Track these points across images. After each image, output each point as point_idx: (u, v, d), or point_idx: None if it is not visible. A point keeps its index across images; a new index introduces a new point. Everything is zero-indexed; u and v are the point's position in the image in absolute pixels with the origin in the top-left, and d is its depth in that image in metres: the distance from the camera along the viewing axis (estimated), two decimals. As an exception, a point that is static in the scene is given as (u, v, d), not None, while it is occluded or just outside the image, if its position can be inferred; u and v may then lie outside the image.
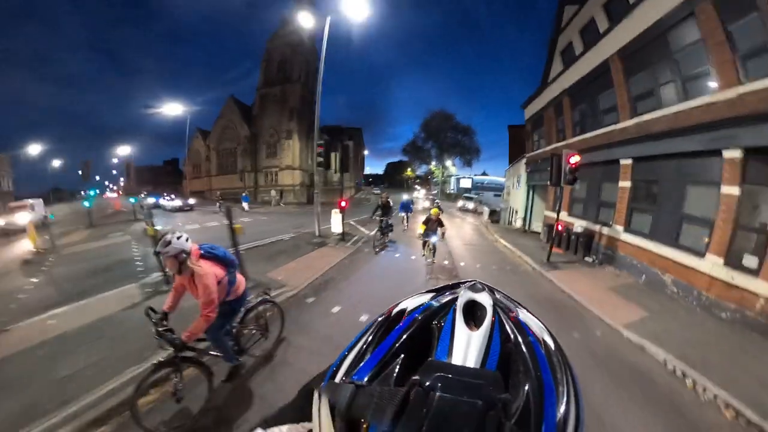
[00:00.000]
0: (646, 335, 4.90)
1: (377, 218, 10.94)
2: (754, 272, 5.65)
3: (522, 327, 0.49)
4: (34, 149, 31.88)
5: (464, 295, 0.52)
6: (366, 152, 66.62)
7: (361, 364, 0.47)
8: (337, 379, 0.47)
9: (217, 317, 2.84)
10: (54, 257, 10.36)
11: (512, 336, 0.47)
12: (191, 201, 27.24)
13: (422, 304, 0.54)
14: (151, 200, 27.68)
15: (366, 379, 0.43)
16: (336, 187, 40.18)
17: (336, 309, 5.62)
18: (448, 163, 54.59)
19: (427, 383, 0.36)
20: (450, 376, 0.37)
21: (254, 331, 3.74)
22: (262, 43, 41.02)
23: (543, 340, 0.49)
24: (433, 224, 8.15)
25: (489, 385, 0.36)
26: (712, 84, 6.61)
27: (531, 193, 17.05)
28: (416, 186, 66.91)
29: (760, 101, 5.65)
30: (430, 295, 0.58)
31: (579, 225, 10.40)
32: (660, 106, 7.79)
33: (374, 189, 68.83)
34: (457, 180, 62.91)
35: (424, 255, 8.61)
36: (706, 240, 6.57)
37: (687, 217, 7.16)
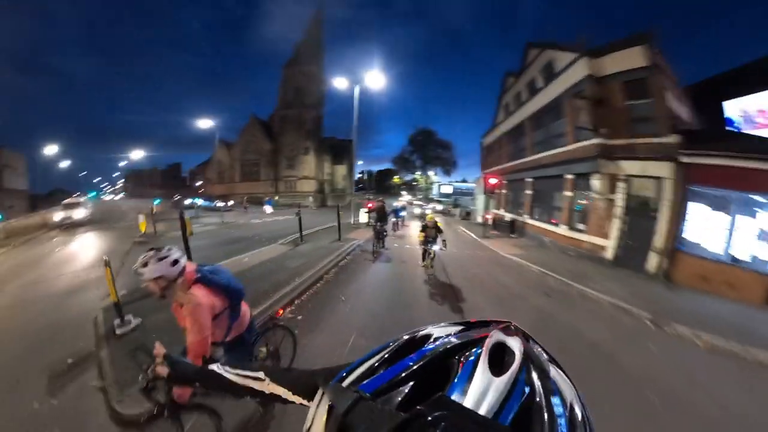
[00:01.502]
0: (517, 256, 9.74)
1: (372, 223, 10.51)
2: (582, 231, 10.51)
3: (551, 385, 0.41)
4: (49, 149, 29.40)
5: (494, 336, 0.45)
6: (361, 162, 70.80)
7: (372, 377, 0.42)
8: (345, 384, 0.44)
9: (224, 357, 2.16)
10: (165, 239, 11.36)
11: (537, 393, 0.38)
12: (231, 203, 31.07)
13: (449, 334, 0.48)
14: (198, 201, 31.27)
15: (371, 393, 0.39)
16: (340, 194, 44.65)
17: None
18: (431, 173, 59.42)
19: (430, 417, 0.31)
20: (457, 417, 0.32)
21: (265, 359, 2.95)
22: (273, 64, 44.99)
23: (571, 405, 0.40)
24: (431, 231, 7.26)
25: None
26: (566, 140, 11.49)
27: (487, 198, 21.93)
28: (402, 192, 71.02)
29: (580, 152, 10.53)
30: (460, 327, 0.51)
31: (508, 216, 15.30)
32: (545, 149, 12.72)
33: (366, 195, 72.28)
34: (439, 187, 67.54)
35: (423, 265, 7.47)
36: (560, 217, 11.56)
37: (554, 208, 12.13)
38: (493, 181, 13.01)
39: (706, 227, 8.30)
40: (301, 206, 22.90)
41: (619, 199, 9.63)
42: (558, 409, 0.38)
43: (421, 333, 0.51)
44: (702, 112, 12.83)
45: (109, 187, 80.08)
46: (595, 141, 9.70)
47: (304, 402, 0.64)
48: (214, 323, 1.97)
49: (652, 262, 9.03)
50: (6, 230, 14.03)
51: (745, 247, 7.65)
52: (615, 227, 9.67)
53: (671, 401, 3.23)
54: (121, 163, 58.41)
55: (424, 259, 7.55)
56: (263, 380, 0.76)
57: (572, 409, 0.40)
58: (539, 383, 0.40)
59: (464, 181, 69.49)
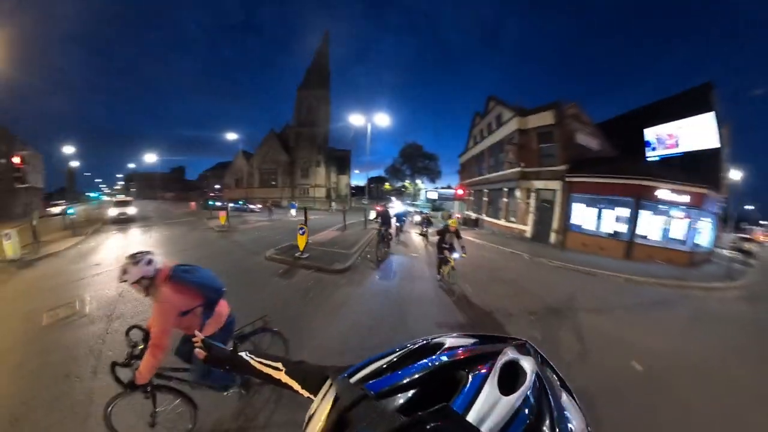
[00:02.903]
0: (472, 237, 15.58)
1: (377, 227, 10.45)
2: (514, 222, 16.49)
3: (560, 412, 0.38)
4: (59, 149, 28.79)
5: (508, 354, 0.43)
6: (357, 171, 75.59)
7: (380, 378, 0.42)
8: (353, 380, 0.43)
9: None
10: (240, 230, 15.15)
11: (544, 418, 0.36)
12: (259, 206, 35.85)
13: (462, 346, 0.47)
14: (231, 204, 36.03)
15: (376, 393, 0.38)
16: (343, 199, 50.03)
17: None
18: (418, 181, 65.13)
19: (430, 426, 0.30)
20: (457, 430, 0.31)
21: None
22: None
23: None
24: (450, 237, 6.38)
25: None
26: (507, 166, 17.47)
27: (462, 203, 27.99)
28: (391, 198, 75.19)
29: (511, 175, 16.51)
30: (474, 340, 0.50)
31: (474, 215, 21.25)
32: (495, 171, 18.77)
33: (362, 200, 75.91)
34: (426, 193, 73.14)
35: (439, 276, 6.62)
36: (502, 215, 17.53)
37: (499, 209, 18.15)
38: (459, 192, 18.93)
39: (583, 216, 14.23)
40: (341, 209, 26.55)
41: (532, 202, 15.63)
42: None
43: (434, 341, 0.49)
44: (632, 135, 19.01)
45: (111, 188, 73.70)
46: (517, 169, 15.75)
47: (311, 396, 0.62)
48: (185, 318, 1.99)
49: (552, 237, 14.97)
50: (75, 223, 14.60)
51: (607, 226, 13.56)
52: (530, 218, 15.67)
53: (524, 278, 8.39)
54: (130, 165, 58.60)
55: (440, 268, 6.48)
56: (280, 370, 0.79)
57: None
58: (548, 408, 0.37)
59: (449, 187, 75.03)
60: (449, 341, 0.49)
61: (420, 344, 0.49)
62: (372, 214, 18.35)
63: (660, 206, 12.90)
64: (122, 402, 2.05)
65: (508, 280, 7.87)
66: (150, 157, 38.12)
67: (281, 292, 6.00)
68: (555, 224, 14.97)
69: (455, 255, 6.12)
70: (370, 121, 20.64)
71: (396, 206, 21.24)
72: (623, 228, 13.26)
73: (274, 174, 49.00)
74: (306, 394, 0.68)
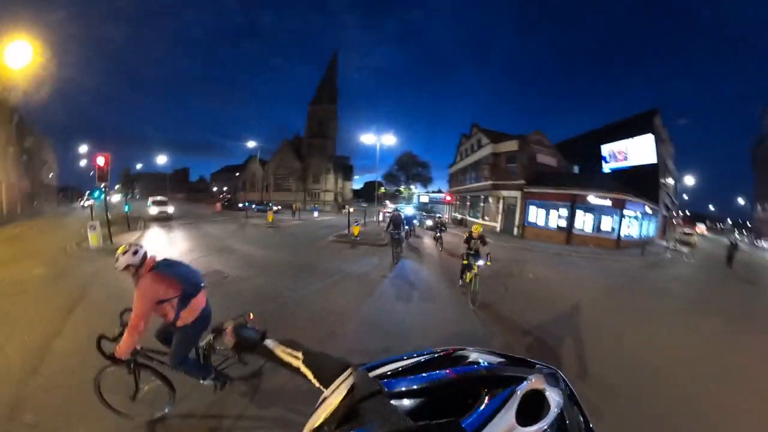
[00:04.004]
0: (460, 232, 20.91)
1: (390, 232, 10.25)
2: (489, 221, 21.94)
3: None
4: (68, 147, 29.39)
5: (534, 382, 0.39)
6: (357, 177, 79.49)
7: (397, 378, 0.41)
8: (372, 375, 0.43)
9: (178, 344, 2.34)
10: (285, 227, 18.15)
11: None
12: (279, 207, 40.04)
13: (485, 364, 0.45)
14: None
15: (391, 392, 0.38)
16: (348, 203, 54.57)
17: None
18: (412, 186, 69.79)
19: None
20: None
21: (228, 354, 2.76)
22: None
23: None
24: (475, 243, 6.11)
25: None
26: (483, 179, 22.86)
27: (450, 207, 33.29)
28: (386, 201, 76.90)
29: (485, 186, 21.94)
30: (500, 359, 0.47)
31: (459, 216, 26.57)
32: (475, 182, 24.26)
33: (362, 203, 78.43)
34: (419, 197, 77.29)
35: (461, 282, 6.28)
36: (480, 215, 22.97)
37: (477, 211, 23.60)
38: (448, 198, 24.23)
39: (536, 215, 19.63)
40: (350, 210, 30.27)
41: (500, 206, 21.00)
42: None
43: (459, 353, 0.47)
44: (593, 150, 24.40)
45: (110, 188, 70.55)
46: (490, 182, 21.16)
47: (322, 388, 0.62)
48: (161, 306, 2.17)
49: (515, 231, 20.29)
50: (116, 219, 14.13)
51: (553, 222, 18.99)
52: (499, 217, 21.03)
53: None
54: (138, 165, 58.89)
55: (462, 274, 6.19)
56: (299, 359, 0.79)
57: None
58: None
59: (440, 191, 79.08)
60: (473, 356, 0.47)
61: (443, 353, 0.47)
62: (380, 216, 21.05)
63: (591, 207, 17.98)
64: (109, 374, 2.25)
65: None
66: (149, 158, 37.86)
67: (359, 255, 10.96)
68: (516, 221, 20.31)
69: (480, 262, 5.72)
70: (378, 139, 25.62)
71: (391, 209, 21.73)
72: (564, 223, 18.52)
73: (287, 179, 53.34)
74: (317, 384, 0.66)
